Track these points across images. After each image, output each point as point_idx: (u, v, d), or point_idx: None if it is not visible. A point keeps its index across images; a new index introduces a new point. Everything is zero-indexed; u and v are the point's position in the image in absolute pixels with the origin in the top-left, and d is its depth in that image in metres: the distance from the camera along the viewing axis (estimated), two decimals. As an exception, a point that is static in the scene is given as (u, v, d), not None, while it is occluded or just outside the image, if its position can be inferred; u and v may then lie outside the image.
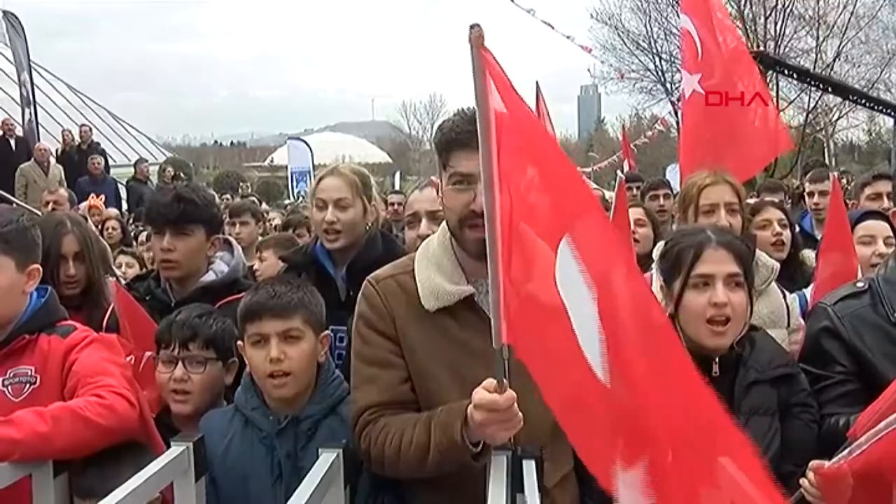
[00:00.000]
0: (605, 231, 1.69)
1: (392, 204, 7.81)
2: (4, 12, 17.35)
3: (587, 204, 1.69)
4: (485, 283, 2.17)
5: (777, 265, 3.17)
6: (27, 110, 16.32)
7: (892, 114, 15.54)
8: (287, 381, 2.34)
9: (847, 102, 23.04)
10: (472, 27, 1.68)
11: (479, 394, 1.89)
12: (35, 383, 2.41)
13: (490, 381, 1.88)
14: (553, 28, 15.70)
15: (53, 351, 2.45)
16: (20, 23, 17.18)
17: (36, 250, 2.57)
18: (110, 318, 3.09)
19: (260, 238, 5.57)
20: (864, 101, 16.78)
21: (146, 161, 15.76)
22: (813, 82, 17.49)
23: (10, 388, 2.41)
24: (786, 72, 17.22)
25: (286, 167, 19.32)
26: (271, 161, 23.30)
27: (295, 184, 17.16)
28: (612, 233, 1.75)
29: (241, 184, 18.13)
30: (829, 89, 17.54)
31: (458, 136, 2.13)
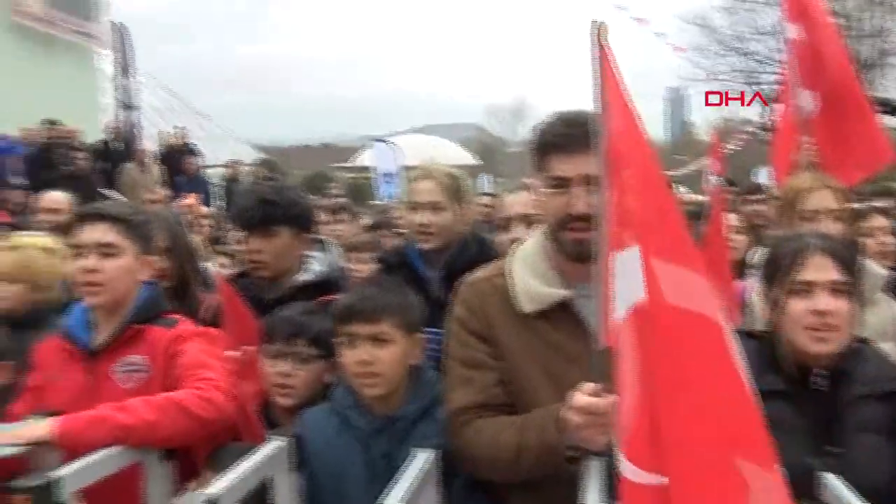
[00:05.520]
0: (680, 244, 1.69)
1: (480, 206, 7.79)
2: (113, 23, 18.29)
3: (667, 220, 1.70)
4: (582, 286, 2.17)
5: (885, 273, 3.04)
6: (128, 113, 17.02)
7: None
8: (376, 382, 2.38)
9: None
10: (594, 22, 1.70)
11: (579, 397, 1.88)
12: (144, 372, 2.52)
13: (589, 385, 1.87)
14: (646, 24, 15.36)
15: (161, 342, 2.55)
16: (128, 32, 18.04)
17: (153, 244, 2.72)
18: (207, 312, 3.19)
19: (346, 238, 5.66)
20: None
21: (239, 161, 16.22)
22: None
23: (121, 375, 2.52)
24: None
25: (372, 168, 19.42)
26: (357, 162, 23.54)
27: (382, 185, 17.25)
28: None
29: (329, 184, 18.40)
30: None
31: (555, 140, 2.13)
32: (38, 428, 2.17)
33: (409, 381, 2.44)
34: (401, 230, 4.87)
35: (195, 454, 2.47)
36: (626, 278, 1.68)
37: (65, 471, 2.01)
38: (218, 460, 2.30)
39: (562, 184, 2.11)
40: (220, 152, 18.76)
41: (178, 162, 14.41)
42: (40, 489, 1.94)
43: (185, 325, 2.63)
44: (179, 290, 3.41)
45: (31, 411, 2.38)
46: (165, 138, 15.64)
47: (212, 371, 2.44)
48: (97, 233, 2.57)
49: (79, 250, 2.59)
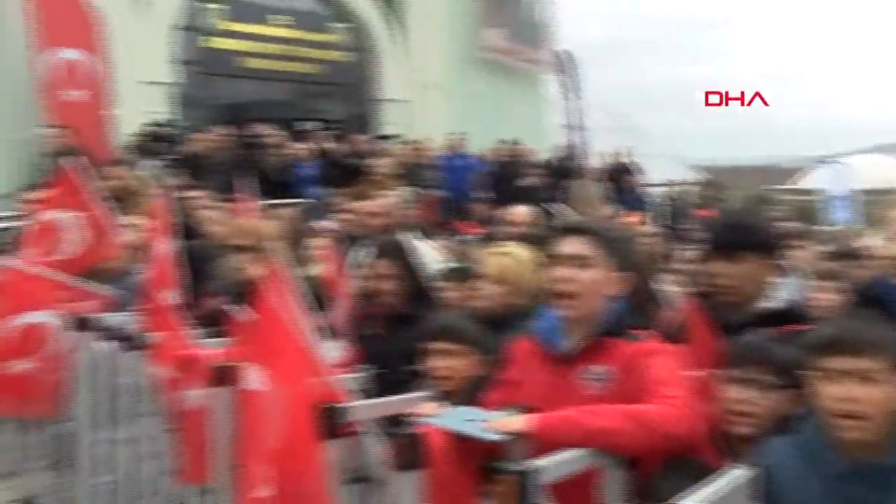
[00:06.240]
0: None
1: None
2: (560, 51, 19.69)
3: None
4: None
5: None
6: (575, 133, 18.12)
7: None
8: (858, 424, 2.18)
9: None
10: None
11: None
12: (609, 382, 2.62)
13: None
14: None
15: (625, 355, 2.64)
16: (574, 58, 19.24)
17: (630, 262, 2.81)
18: (661, 329, 3.22)
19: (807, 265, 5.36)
20: None
21: (679, 181, 16.27)
22: None
23: (585, 382, 2.65)
24: None
25: (818, 190, 18.37)
26: (802, 184, 22.19)
27: (832, 209, 16.12)
28: None
29: (771, 207, 17.61)
30: None
31: None
32: (519, 421, 2.39)
33: (892, 428, 2.22)
34: (868, 260, 4.48)
35: (648, 467, 2.52)
36: None
37: (543, 462, 2.20)
38: (670, 477, 2.33)
39: None
40: (659, 171, 19.00)
41: (620, 180, 14.90)
42: (526, 474, 2.14)
43: (649, 340, 2.69)
44: (634, 306, 3.51)
45: (506, 404, 2.63)
46: (608, 157, 16.23)
47: (675, 388, 2.47)
48: (574, 245, 2.72)
49: (555, 261, 2.77)
